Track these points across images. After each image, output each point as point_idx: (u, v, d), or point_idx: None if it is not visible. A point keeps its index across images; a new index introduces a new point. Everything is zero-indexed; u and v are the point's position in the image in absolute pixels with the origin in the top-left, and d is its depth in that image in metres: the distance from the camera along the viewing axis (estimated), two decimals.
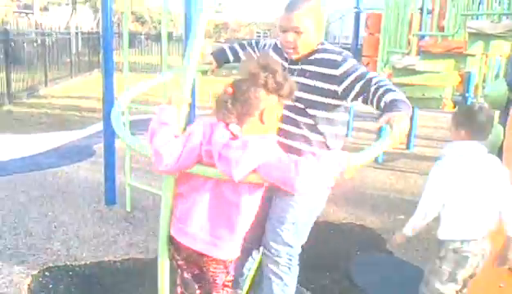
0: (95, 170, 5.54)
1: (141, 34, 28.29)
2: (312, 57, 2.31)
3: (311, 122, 2.31)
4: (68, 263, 3.44)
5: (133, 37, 24.72)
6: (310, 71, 2.29)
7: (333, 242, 4.02)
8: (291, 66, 2.35)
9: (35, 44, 12.53)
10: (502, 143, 3.73)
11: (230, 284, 2.06)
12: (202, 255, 1.93)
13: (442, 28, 5.69)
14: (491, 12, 4.43)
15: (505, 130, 3.70)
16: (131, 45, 24.62)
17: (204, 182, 1.86)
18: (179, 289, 2.12)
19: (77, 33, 17.10)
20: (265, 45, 2.61)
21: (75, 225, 4.06)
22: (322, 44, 2.35)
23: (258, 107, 1.77)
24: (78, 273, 3.32)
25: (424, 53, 5.23)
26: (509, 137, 3.34)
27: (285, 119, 2.21)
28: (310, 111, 2.29)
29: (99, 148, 6.56)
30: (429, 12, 6.07)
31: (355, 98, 2.23)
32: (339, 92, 2.24)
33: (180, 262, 2.05)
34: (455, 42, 4.92)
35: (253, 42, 2.77)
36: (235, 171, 1.67)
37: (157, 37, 22.33)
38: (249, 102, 1.76)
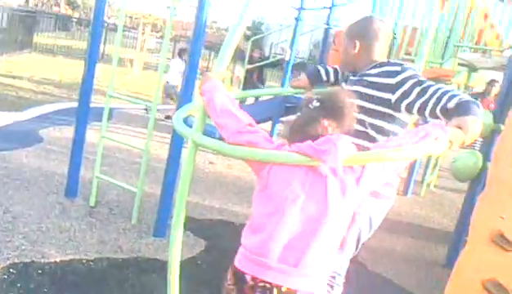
0: (46, 157, 5.17)
1: (72, 18, 27.11)
2: (374, 71, 2.30)
3: (363, 128, 2.26)
4: (35, 260, 3.12)
5: (66, 20, 23.59)
6: (368, 81, 2.25)
7: None
8: (352, 77, 2.38)
9: None
10: (480, 170, 3.91)
11: None
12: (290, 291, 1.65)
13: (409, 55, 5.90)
14: (482, 48, 4.66)
15: (484, 158, 3.88)
16: (63, 28, 23.49)
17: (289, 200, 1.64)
18: None
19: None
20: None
21: (35, 217, 3.70)
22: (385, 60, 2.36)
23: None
24: (49, 272, 3.02)
25: None
26: (494, 167, 3.48)
27: None
28: (363, 117, 2.24)
29: (46, 134, 6.15)
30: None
31: (411, 105, 2.13)
32: (393, 100, 2.19)
33: None
34: (443, 70, 5.11)
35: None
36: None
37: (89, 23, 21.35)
38: None
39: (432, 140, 1.68)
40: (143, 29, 17.09)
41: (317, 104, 1.74)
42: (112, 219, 3.95)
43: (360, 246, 2.47)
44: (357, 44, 2.31)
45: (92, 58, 4.05)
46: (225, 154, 1.88)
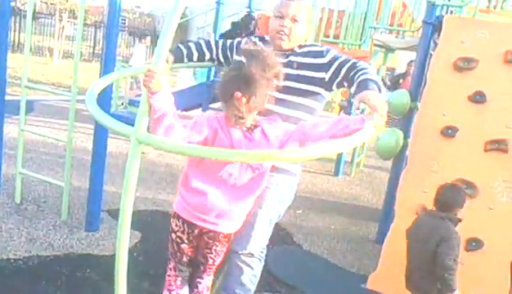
0: None
1: None
2: (299, 50, 2.36)
3: (292, 112, 2.31)
4: None
5: None
6: (297, 62, 2.30)
7: None
8: (278, 59, 2.34)
9: None
10: (402, 148, 4.11)
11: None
12: (215, 232, 2.15)
13: (327, 37, 6.08)
14: (397, 29, 4.87)
15: (405, 135, 4.08)
16: None
17: (217, 172, 2.03)
18: (173, 272, 2.29)
19: None
20: (239, 42, 2.53)
21: None
22: (305, 42, 2.43)
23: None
24: None
25: None
26: (414, 143, 3.68)
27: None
28: (295, 99, 2.30)
29: None
30: None
31: (341, 83, 2.30)
32: (327, 79, 2.30)
33: (183, 245, 2.22)
34: (360, 51, 5.29)
35: (221, 41, 2.65)
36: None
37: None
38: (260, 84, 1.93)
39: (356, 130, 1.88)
40: (60, 16, 16.33)
41: (234, 73, 1.98)
42: (40, 215, 3.79)
43: (276, 220, 2.53)
44: None
45: (1, 48, 3.78)
46: (170, 151, 1.93)
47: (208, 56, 2.63)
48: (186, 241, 2.22)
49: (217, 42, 2.65)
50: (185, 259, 2.27)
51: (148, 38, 11.94)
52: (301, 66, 2.31)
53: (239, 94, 1.90)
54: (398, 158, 4.20)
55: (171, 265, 2.31)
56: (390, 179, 4.37)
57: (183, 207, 2.16)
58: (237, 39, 2.60)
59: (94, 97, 1.98)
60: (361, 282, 3.60)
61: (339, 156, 6.72)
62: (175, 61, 2.55)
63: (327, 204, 5.48)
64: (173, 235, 2.24)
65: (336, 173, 6.79)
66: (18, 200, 3.93)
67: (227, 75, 2.03)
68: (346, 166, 7.02)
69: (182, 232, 2.20)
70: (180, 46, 2.64)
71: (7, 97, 3.94)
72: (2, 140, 3.99)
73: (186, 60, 2.60)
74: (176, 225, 2.22)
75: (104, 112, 1.94)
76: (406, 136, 4.05)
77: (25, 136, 4.08)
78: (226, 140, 1.99)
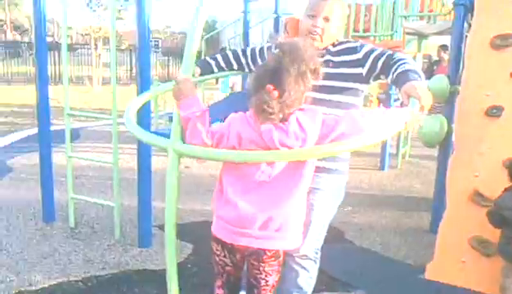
0: (18, 187, 5.10)
1: (22, 43, 26.44)
2: (334, 49, 2.34)
3: (332, 111, 2.29)
4: (23, 289, 3.07)
5: (16, 46, 23.00)
6: (333, 61, 2.29)
7: None
8: None
9: None
10: (447, 134, 4.00)
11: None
12: (262, 250, 1.90)
13: (357, 32, 6.01)
14: (427, 14, 4.78)
15: (449, 121, 3.98)
16: (14, 54, 22.92)
17: (253, 176, 1.85)
18: (221, 290, 2.11)
19: None
20: (269, 47, 2.53)
21: (16, 247, 3.64)
22: (339, 40, 2.40)
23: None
24: None
25: None
26: (459, 128, 3.58)
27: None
28: (333, 97, 2.29)
29: (14, 163, 6.03)
30: None
31: (378, 76, 2.27)
32: (364, 73, 2.27)
33: (228, 267, 2.01)
34: (393, 42, 5.21)
35: (249, 49, 2.66)
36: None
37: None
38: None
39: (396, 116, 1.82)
40: (95, 44, 16.84)
41: (267, 65, 1.85)
42: (94, 237, 3.90)
43: (328, 221, 2.50)
44: None
45: (41, 79, 3.96)
46: (210, 159, 1.89)
47: (236, 66, 2.64)
48: (230, 264, 2.04)
49: (244, 51, 2.65)
50: (232, 280, 2.11)
51: None
52: (337, 65, 2.29)
53: (271, 87, 1.73)
54: (444, 145, 4.09)
55: (218, 283, 2.13)
56: (438, 166, 4.27)
57: (221, 227, 1.94)
58: (267, 43, 2.61)
59: (131, 116, 2.04)
60: (418, 273, 3.52)
61: (384, 149, 6.61)
62: (202, 73, 2.59)
63: (376, 199, 5.40)
64: (216, 258, 2.06)
65: (382, 167, 6.68)
66: (72, 224, 4.06)
67: (260, 68, 1.89)
68: (392, 158, 6.89)
69: (224, 256, 2.02)
70: (206, 58, 2.68)
71: (54, 127, 4.11)
72: (51, 168, 4.15)
73: (216, 69, 2.63)
74: (216, 249, 2.03)
75: (141, 128, 1.99)
76: (449, 122, 3.94)
77: (74, 162, 4.22)
78: (257, 136, 1.80)
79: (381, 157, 6.68)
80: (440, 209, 3.66)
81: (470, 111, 3.50)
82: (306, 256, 2.43)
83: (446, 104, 4.13)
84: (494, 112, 3.42)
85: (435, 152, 4.49)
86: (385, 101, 6.90)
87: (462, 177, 3.45)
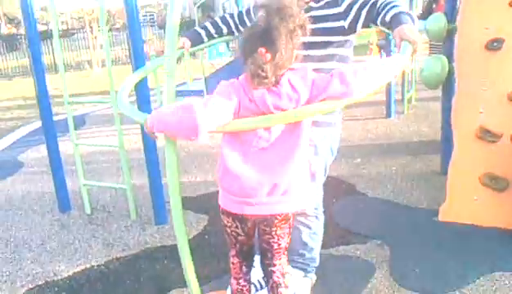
0: (31, 180, 5.15)
1: (18, 35, 26.23)
2: (316, 5, 2.30)
3: (322, 65, 2.27)
4: (49, 280, 3.15)
5: (13, 39, 22.85)
6: (314, 16, 2.24)
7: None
8: None
9: None
10: (448, 73, 3.94)
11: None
12: (272, 216, 1.92)
13: None
14: None
15: (449, 60, 3.91)
16: (12, 48, 22.82)
17: (252, 143, 1.84)
18: (236, 259, 2.15)
19: None
20: (255, 6, 2.50)
21: (37, 240, 3.71)
22: None
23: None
24: (66, 288, 3.05)
25: None
26: (460, 65, 3.52)
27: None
28: (322, 52, 2.27)
29: (25, 157, 6.09)
30: None
31: (365, 24, 2.23)
32: (346, 26, 2.25)
33: (240, 237, 2.05)
34: None
35: (237, 12, 2.64)
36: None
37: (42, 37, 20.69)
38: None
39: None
40: (90, 27, 16.67)
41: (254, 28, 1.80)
42: (111, 220, 3.97)
43: (323, 176, 2.51)
44: None
45: (37, 70, 3.91)
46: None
47: (225, 30, 2.63)
48: (242, 234, 2.05)
49: (232, 14, 2.64)
50: (245, 248, 2.13)
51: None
52: (318, 19, 2.23)
53: (263, 50, 1.69)
54: (447, 85, 4.04)
55: (233, 253, 2.16)
56: (443, 107, 4.23)
57: (228, 199, 1.94)
58: (252, 4, 2.57)
59: (124, 99, 2.03)
60: (432, 216, 3.54)
61: (389, 96, 6.54)
62: (193, 44, 2.57)
63: (385, 147, 5.38)
64: (228, 230, 2.07)
65: (388, 115, 6.61)
66: (88, 211, 4.12)
67: (247, 31, 1.85)
68: (397, 105, 6.81)
69: (236, 227, 2.03)
70: (196, 28, 2.66)
71: (59, 117, 4.12)
72: (60, 158, 4.19)
73: (206, 39, 2.62)
74: (227, 222, 2.04)
75: (135, 109, 2.01)
76: (450, 61, 3.87)
77: (82, 149, 4.25)
78: (251, 102, 1.77)
79: (386, 104, 6.62)
80: (449, 150, 3.65)
81: (470, 47, 3.45)
82: (305, 213, 2.48)
83: (444, 43, 4.06)
84: (494, 45, 3.37)
85: (439, 92, 4.43)
86: (386, 47, 6.78)
87: (467, 115, 3.43)
